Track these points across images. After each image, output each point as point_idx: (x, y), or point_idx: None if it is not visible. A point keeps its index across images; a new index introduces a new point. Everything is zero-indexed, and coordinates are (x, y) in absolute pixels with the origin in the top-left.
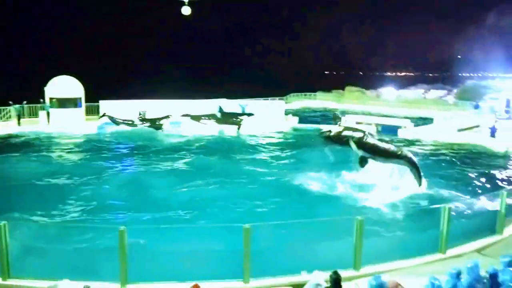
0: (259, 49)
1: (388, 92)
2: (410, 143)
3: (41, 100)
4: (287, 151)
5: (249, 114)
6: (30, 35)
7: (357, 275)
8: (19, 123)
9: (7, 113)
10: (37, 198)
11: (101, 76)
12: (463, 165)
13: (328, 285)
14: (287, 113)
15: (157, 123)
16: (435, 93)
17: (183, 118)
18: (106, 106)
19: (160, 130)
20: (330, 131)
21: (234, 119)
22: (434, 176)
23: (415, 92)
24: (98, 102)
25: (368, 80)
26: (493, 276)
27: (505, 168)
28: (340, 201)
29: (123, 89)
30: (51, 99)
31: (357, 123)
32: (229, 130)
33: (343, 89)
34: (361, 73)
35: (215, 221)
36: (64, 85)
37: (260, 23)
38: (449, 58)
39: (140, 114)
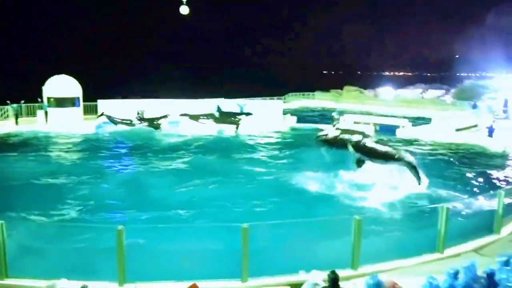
0: (258, 49)
1: (386, 91)
2: (408, 142)
3: (39, 100)
4: (285, 151)
5: (248, 114)
6: (28, 35)
7: (355, 274)
8: (16, 123)
9: (4, 112)
10: (35, 198)
11: (100, 76)
12: (461, 164)
13: (326, 284)
14: (285, 112)
15: (155, 122)
16: (433, 92)
17: (182, 117)
18: (104, 105)
19: (158, 130)
20: (326, 134)
21: (233, 118)
22: (432, 176)
23: (413, 92)
24: (96, 101)
25: (366, 79)
26: (490, 275)
27: (503, 167)
28: (338, 201)
29: (122, 88)
30: (49, 98)
31: (355, 122)
32: (228, 130)
33: (341, 88)
34: (359, 72)
35: (214, 221)
36: (62, 85)
37: (258, 23)
38: (447, 58)
39: (138, 113)
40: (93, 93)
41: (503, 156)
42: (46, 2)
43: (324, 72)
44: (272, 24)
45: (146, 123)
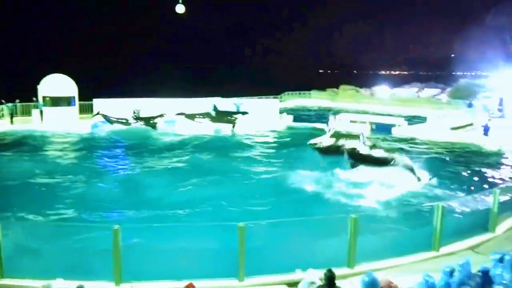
0: (255, 48)
1: (382, 90)
2: (404, 141)
3: (34, 99)
4: (282, 150)
5: (244, 113)
6: (24, 34)
7: (351, 273)
8: (12, 122)
9: None
10: (30, 197)
11: (99, 76)
12: (456, 163)
13: (323, 283)
14: (281, 111)
15: (151, 121)
16: (428, 91)
17: (178, 116)
18: (100, 104)
19: (155, 129)
20: (320, 142)
21: (229, 117)
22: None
23: (409, 91)
24: (91, 100)
25: (362, 78)
26: (485, 272)
27: (498, 166)
28: (334, 200)
29: (122, 88)
30: (44, 97)
31: (352, 121)
32: (224, 129)
33: (337, 87)
34: (355, 71)
35: (210, 220)
36: (57, 84)
37: (254, 22)
38: (442, 57)
39: (134, 112)
40: (93, 92)
41: (498, 154)
42: (46, 2)
43: (320, 71)
44: (267, 24)
45: (142, 122)
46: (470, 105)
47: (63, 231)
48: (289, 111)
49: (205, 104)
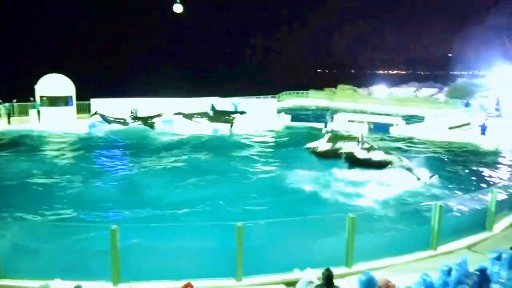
0: (253, 48)
1: (380, 90)
2: (402, 140)
3: (31, 99)
4: (280, 149)
5: (242, 112)
6: (24, 34)
7: (349, 272)
8: (9, 122)
9: None
10: (28, 197)
11: (98, 76)
12: (454, 162)
13: (321, 282)
14: (279, 111)
15: (149, 121)
16: (426, 91)
17: (176, 116)
18: (98, 104)
19: (153, 129)
20: (317, 147)
21: (227, 117)
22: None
23: (406, 90)
24: (89, 100)
25: (360, 78)
26: (483, 271)
27: (495, 165)
28: (332, 199)
29: (122, 88)
30: (41, 97)
31: (349, 121)
32: (222, 129)
33: (335, 87)
34: (353, 71)
35: (208, 220)
36: (54, 83)
37: (253, 22)
38: (440, 56)
39: (132, 112)
40: (93, 93)
41: (496, 153)
42: (46, 2)
43: (318, 70)
44: (267, 24)
45: (140, 122)
46: (467, 105)
47: (61, 231)
48: (287, 110)
49: (203, 103)
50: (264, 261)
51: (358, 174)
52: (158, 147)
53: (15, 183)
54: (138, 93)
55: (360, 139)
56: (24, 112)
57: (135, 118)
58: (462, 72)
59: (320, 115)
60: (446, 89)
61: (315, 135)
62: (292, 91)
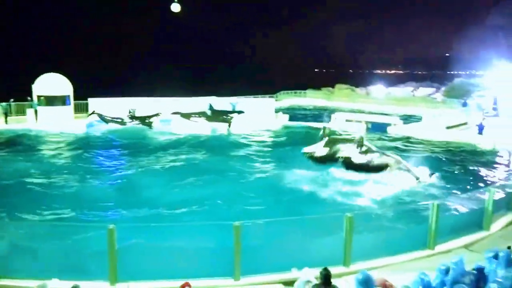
0: (253, 48)
1: (378, 89)
2: (399, 140)
3: (29, 98)
4: (278, 149)
5: (240, 112)
6: (24, 34)
7: (347, 271)
8: (6, 121)
9: None
10: (25, 197)
11: (98, 75)
12: (451, 162)
13: (318, 281)
14: (277, 111)
15: (147, 121)
16: (423, 90)
17: (173, 116)
18: (95, 103)
19: (150, 128)
20: (314, 152)
21: (225, 117)
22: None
23: (404, 90)
24: (87, 99)
25: (358, 78)
26: (480, 270)
27: (492, 165)
28: (330, 198)
29: (120, 88)
30: (39, 96)
31: (347, 120)
32: (220, 128)
33: (333, 87)
34: (351, 71)
35: (206, 219)
36: (52, 83)
37: (252, 21)
38: (438, 56)
39: (129, 112)
40: (93, 92)
41: (493, 153)
42: (46, 2)
43: (316, 70)
44: (266, 23)
45: (137, 122)
46: (465, 104)
47: (58, 231)
48: (284, 110)
49: (201, 103)
50: (262, 261)
51: (356, 173)
52: (156, 147)
53: (12, 183)
54: (137, 93)
55: (357, 142)
56: (21, 112)
57: (133, 117)
58: (459, 72)
59: (318, 114)
60: (443, 88)
61: (313, 134)
62: (289, 91)
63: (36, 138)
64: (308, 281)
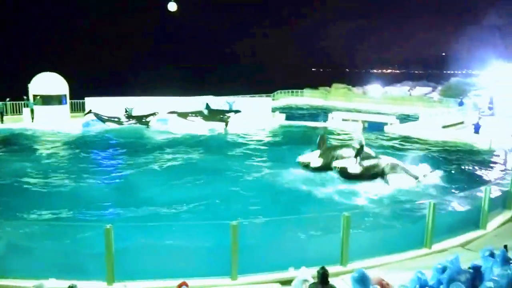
0: (252, 48)
1: (374, 89)
2: (396, 139)
3: (25, 97)
4: (275, 148)
5: (236, 111)
6: (24, 34)
7: (344, 270)
8: (2, 121)
9: None
10: (21, 196)
11: (98, 75)
12: (448, 161)
13: (316, 280)
14: (274, 110)
15: (143, 120)
16: (420, 90)
17: (170, 115)
18: (92, 103)
19: (147, 127)
20: (309, 162)
21: (221, 116)
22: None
23: (400, 89)
24: (83, 99)
25: (354, 77)
26: (476, 268)
27: (488, 164)
28: (328, 197)
29: (120, 87)
30: (35, 96)
31: (344, 120)
32: (217, 127)
33: (329, 86)
34: (347, 70)
35: (203, 218)
36: (48, 82)
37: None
38: (434, 55)
39: (126, 111)
40: (93, 92)
41: (489, 152)
42: (46, 2)
43: (313, 69)
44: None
45: (134, 121)
46: (461, 104)
47: (56, 231)
48: (281, 109)
49: (198, 102)
50: (259, 260)
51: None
52: (153, 146)
53: (8, 182)
54: (137, 93)
55: (357, 151)
56: (17, 111)
57: (130, 117)
58: (455, 71)
59: (315, 114)
60: (439, 88)
61: (310, 134)
62: (286, 90)
63: (32, 138)
64: (305, 280)
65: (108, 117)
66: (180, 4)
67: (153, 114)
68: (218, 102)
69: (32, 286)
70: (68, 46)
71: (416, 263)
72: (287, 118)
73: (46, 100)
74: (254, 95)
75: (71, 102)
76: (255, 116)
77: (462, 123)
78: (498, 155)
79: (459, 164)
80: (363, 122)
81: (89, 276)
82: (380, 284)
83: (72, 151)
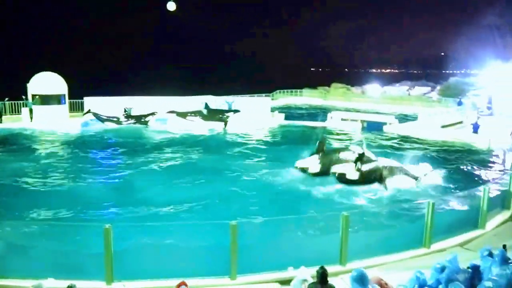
0: (251, 48)
1: (373, 88)
2: (395, 139)
3: (24, 97)
4: (274, 148)
5: (236, 111)
6: (24, 34)
7: (343, 270)
8: (1, 121)
9: None
10: (20, 196)
11: (98, 75)
12: (447, 161)
13: (315, 280)
14: (273, 110)
15: (142, 120)
16: (419, 89)
17: (169, 115)
18: (91, 102)
19: (146, 127)
20: (307, 167)
21: (221, 115)
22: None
23: (399, 89)
24: (82, 98)
25: (353, 77)
26: (475, 268)
27: (487, 163)
28: (327, 197)
29: (120, 87)
30: (33, 95)
31: (343, 119)
32: (216, 127)
33: (329, 86)
34: (346, 70)
35: (203, 218)
36: (47, 82)
37: (252, 21)
38: (433, 55)
39: (125, 111)
40: (93, 92)
41: (488, 152)
42: (46, 2)
43: (312, 69)
44: (259, 22)
45: (133, 121)
46: (460, 103)
47: (54, 231)
48: (280, 109)
49: (197, 102)
50: (258, 260)
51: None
52: (152, 146)
53: (7, 182)
54: (137, 93)
55: (357, 158)
56: (16, 111)
57: (129, 116)
58: (454, 71)
59: (314, 113)
60: (438, 87)
61: (309, 133)
62: (285, 90)
63: (31, 137)
64: (305, 280)
65: (107, 116)
66: (180, 4)
67: (152, 113)
68: (217, 101)
69: (31, 286)
70: (67, 46)
71: (415, 263)
72: (286, 118)
73: (45, 99)
74: (253, 94)
75: (70, 101)
76: (254, 116)
77: (461, 122)
78: (497, 155)
79: (458, 163)
80: (362, 121)
81: (88, 276)
82: (379, 284)
83: (71, 151)
